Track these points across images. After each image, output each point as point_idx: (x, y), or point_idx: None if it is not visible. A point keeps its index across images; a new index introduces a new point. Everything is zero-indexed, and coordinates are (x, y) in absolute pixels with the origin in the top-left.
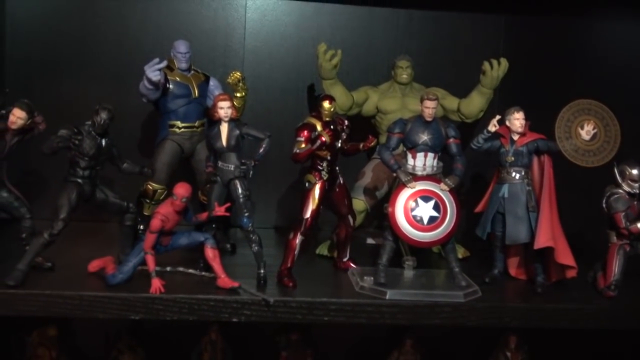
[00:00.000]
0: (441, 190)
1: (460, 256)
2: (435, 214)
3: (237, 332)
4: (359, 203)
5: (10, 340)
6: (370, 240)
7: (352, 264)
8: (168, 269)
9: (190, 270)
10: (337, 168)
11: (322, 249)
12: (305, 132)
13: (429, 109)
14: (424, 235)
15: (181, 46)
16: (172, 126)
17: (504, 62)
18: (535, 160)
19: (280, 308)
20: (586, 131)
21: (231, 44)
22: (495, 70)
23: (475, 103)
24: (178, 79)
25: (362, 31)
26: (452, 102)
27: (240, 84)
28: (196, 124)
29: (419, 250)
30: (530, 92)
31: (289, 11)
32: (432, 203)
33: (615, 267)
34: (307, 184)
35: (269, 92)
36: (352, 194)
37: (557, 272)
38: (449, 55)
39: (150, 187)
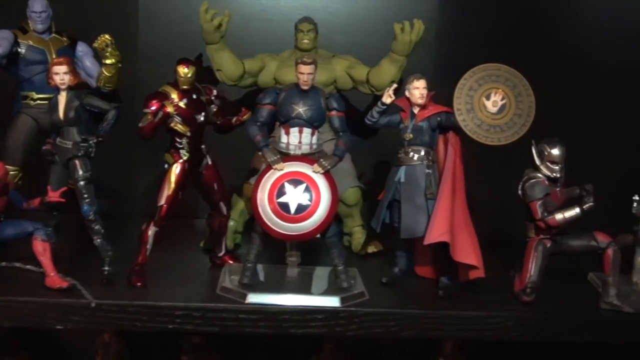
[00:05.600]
0: (314, 172)
1: (369, 251)
2: (305, 201)
3: (136, 333)
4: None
5: None
6: None
7: (230, 260)
8: (4, 264)
9: (29, 267)
10: (203, 147)
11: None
12: (154, 102)
13: (304, 74)
14: (291, 226)
15: (35, 4)
16: (26, 97)
17: (418, 25)
18: (441, 139)
19: (116, 313)
20: (493, 102)
21: (124, 6)
22: (407, 33)
23: (385, 72)
24: (32, 42)
25: None
26: (361, 71)
27: (109, 49)
28: None
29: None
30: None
31: None
32: (301, 188)
33: (532, 266)
34: (165, 166)
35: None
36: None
37: (466, 271)
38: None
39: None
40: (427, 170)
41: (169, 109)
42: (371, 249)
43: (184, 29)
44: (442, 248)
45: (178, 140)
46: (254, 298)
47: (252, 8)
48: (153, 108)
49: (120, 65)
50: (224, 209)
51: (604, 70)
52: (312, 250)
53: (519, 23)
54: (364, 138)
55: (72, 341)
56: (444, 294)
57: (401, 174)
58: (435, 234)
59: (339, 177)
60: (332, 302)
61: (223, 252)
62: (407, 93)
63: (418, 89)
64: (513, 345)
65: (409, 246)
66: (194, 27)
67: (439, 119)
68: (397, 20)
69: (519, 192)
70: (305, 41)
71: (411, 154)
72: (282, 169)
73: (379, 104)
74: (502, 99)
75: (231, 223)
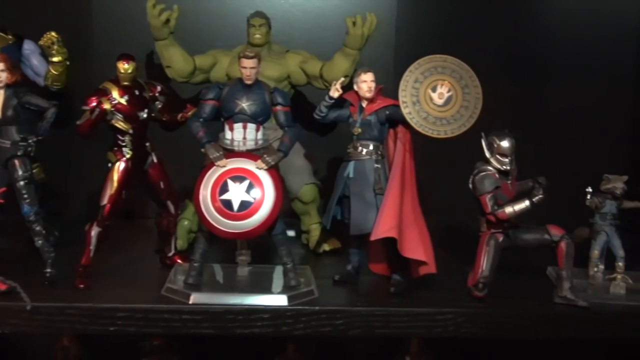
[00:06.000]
0: (258, 169)
1: (325, 249)
2: (249, 198)
3: (96, 336)
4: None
5: None
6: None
7: (179, 260)
8: None
9: None
10: (147, 144)
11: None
12: (92, 99)
13: (247, 69)
14: (234, 224)
15: None
16: None
17: (371, 18)
18: (391, 133)
19: (55, 316)
20: (439, 94)
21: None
22: (359, 27)
23: (338, 66)
24: None
25: None
26: (314, 66)
27: (55, 47)
28: None
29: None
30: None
31: None
32: (245, 184)
33: (484, 261)
34: (109, 165)
35: None
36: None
37: (418, 268)
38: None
39: None
40: (376, 165)
41: (106, 106)
42: (327, 247)
43: (138, 26)
44: (394, 244)
45: (120, 137)
46: (198, 298)
47: (207, 3)
48: (92, 105)
49: (67, 62)
50: (172, 208)
51: (561, 65)
52: (266, 248)
53: (478, 16)
54: (321, 134)
55: (31, 345)
56: (396, 290)
57: (350, 169)
58: (382, 229)
59: (294, 174)
60: (279, 301)
61: (173, 252)
62: (355, 87)
63: (366, 82)
64: (482, 343)
65: (361, 243)
66: (148, 24)
67: (387, 112)
68: (357, 15)
69: (470, 185)
70: (257, 36)
71: (360, 148)
72: (224, 166)
73: (326, 98)
74: (449, 91)
75: (185, 222)
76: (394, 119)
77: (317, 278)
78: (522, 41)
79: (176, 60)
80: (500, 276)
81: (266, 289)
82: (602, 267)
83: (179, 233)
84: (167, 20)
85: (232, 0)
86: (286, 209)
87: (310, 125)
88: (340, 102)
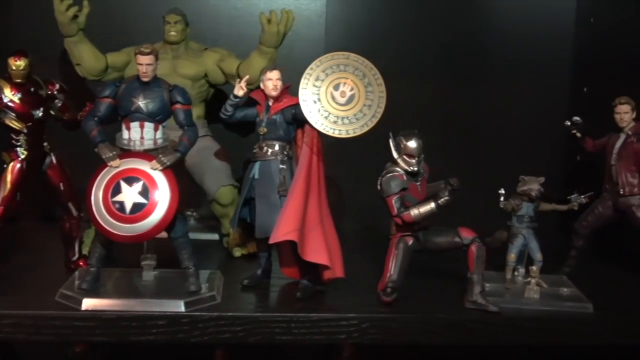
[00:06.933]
0: (152, 169)
1: (244, 252)
2: (141, 200)
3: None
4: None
5: None
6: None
7: (83, 264)
8: None
9: None
10: (45, 144)
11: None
12: None
13: (143, 65)
14: (127, 227)
15: None
16: None
17: (287, 15)
18: (300, 133)
19: None
20: (341, 92)
21: None
22: (275, 24)
23: (254, 65)
24: None
25: None
26: (231, 64)
27: None
28: None
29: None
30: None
31: None
32: (138, 186)
33: (392, 265)
34: (4, 166)
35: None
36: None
37: (325, 272)
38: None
39: None
40: (282, 166)
41: None
42: (244, 251)
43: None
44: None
45: (14, 137)
46: (90, 304)
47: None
48: None
49: None
50: (74, 210)
51: (495, 65)
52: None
53: (410, 14)
54: (242, 135)
55: None
56: (302, 295)
57: (255, 170)
58: (281, 232)
59: (212, 175)
60: (175, 306)
61: (77, 256)
62: (261, 85)
63: (271, 80)
64: (418, 348)
65: (270, 246)
66: None
67: (293, 111)
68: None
69: (378, 187)
70: (172, 33)
71: (265, 148)
72: (117, 166)
73: (231, 96)
74: (351, 90)
75: None
76: (301, 119)
77: (231, 283)
78: (454, 40)
79: (86, 58)
80: (414, 280)
81: (164, 295)
82: (522, 270)
83: (89, 236)
84: (76, 16)
85: None
86: (207, 211)
87: (231, 125)
88: (251, 101)
